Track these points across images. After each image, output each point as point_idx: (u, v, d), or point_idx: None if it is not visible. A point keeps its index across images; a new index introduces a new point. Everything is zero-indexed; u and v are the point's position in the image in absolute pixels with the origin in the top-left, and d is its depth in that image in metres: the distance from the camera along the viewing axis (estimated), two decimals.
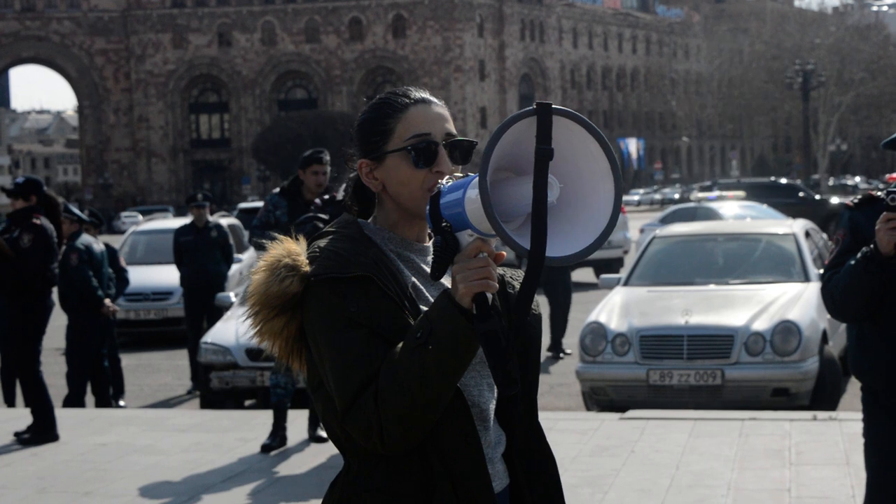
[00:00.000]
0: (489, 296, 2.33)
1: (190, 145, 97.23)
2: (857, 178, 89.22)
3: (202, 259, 14.03)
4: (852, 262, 4.56)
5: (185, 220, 15.13)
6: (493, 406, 2.60)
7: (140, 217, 50.44)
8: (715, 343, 10.25)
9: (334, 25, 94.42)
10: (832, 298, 4.73)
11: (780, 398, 10.13)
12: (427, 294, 2.56)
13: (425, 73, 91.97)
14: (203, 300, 13.79)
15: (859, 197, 4.77)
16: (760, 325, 10.21)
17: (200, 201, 14.29)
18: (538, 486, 2.67)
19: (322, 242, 2.56)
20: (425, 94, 2.65)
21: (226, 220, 18.47)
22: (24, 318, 9.58)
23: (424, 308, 2.49)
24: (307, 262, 2.52)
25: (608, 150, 2.28)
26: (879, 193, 4.62)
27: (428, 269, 2.58)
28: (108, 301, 11.58)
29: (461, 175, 2.40)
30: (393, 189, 2.59)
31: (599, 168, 2.29)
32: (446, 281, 2.56)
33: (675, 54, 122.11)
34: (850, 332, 4.93)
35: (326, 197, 8.69)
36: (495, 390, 2.60)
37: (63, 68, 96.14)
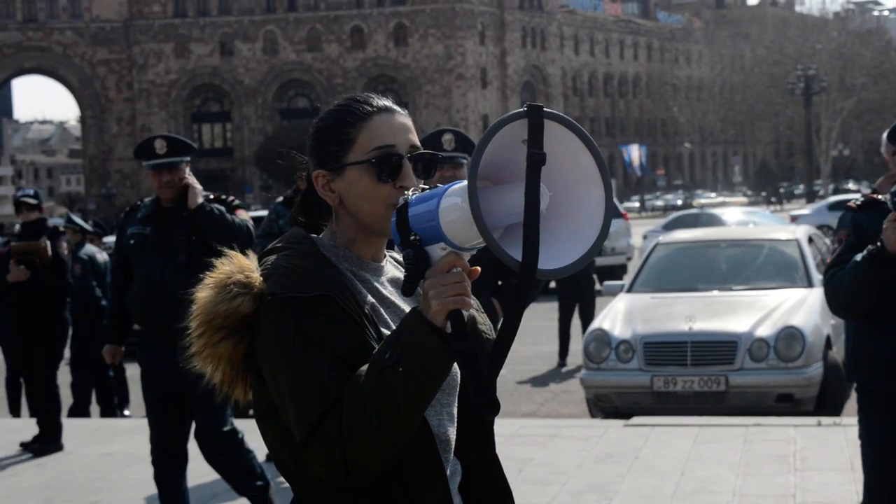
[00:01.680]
0: (465, 313, 2.15)
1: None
2: (851, 184, 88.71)
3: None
4: (857, 259, 4.66)
5: None
6: (453, 436, 2.43)
7: None
8: (719, 349, 10.25)
9: (336, 34, 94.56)
10: (836, 295, 4.82)
11: (784, 404, 10.13)
12: (385, 316, 2.38)
13: (427, 81, 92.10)
14: None
15: (861, 199, 4.90)
16: (764, 331, 10.21)
17: None
18: None
19: (275, 258, 2.36)
20: (388, 103, 2.46)
21: None
22: (53, 326, 9.88)
23: (385, 330, 2.32)
24: (261, 279, 2.32)
25: (598, 155, 2.14)
26: (881, 196, 4.77)
27: (383, 291, 2.43)
28: None
29: (426, 188, 2.26)
30: (352, 204, 2.40)
31: (589, 175, 2.15)
32: (402, 302, 2.43)
33: (676, 60, 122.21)
34: (847, 332, 5.02)
35: None
36: (455, 419, 2.44)
37: (65, 78, 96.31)
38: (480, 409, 2.13)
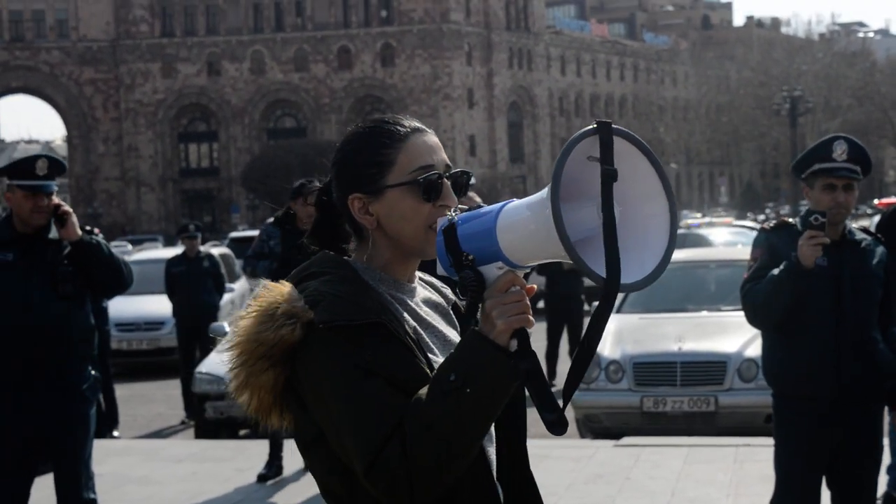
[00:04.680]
0: (529, 332, 2.17)
1: (179, 174, 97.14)
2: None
3: (194, 289, 14.06)
4: (775, 273, 5.12)
5: (177, 251, 15.19)
6: (494, 457, 2.43)
7: (129, 246, 50.38)
8: (708, 369, 10.28)
9: (323, 54, 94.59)
10: (753, 306, 5.29)
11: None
12: (426, 338, 2.39)
13: (414, 102, 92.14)
14: (195, 330, 13.81)
15: (774, 222, 5.49)
16: (753, 351, 10.23)
17: (192, 232, 14.33)
18: None
19: (316, 285, 2.33)
20: (418, 123, 2.46)
21: (217, 250, 18.53)
22: None
23: (432, 355, 2.34)
24: (306, 307, 2.28)
25: (660, 169, 2.17)
26: (790, 220, 5.43)
27: (420, 311, 2.44)
28: None
29: (469, 207, 2.27)
30: (392, 225, 2.39)
31: (652, 188, 2.17)
32: (438, 323, 2.45)
33: (662, 81, 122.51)
34: (763, 345, 5.46)
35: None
36: (494, 440, 2.45)
37: (52, 98, 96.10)
38: (551, 425, 2.14)
